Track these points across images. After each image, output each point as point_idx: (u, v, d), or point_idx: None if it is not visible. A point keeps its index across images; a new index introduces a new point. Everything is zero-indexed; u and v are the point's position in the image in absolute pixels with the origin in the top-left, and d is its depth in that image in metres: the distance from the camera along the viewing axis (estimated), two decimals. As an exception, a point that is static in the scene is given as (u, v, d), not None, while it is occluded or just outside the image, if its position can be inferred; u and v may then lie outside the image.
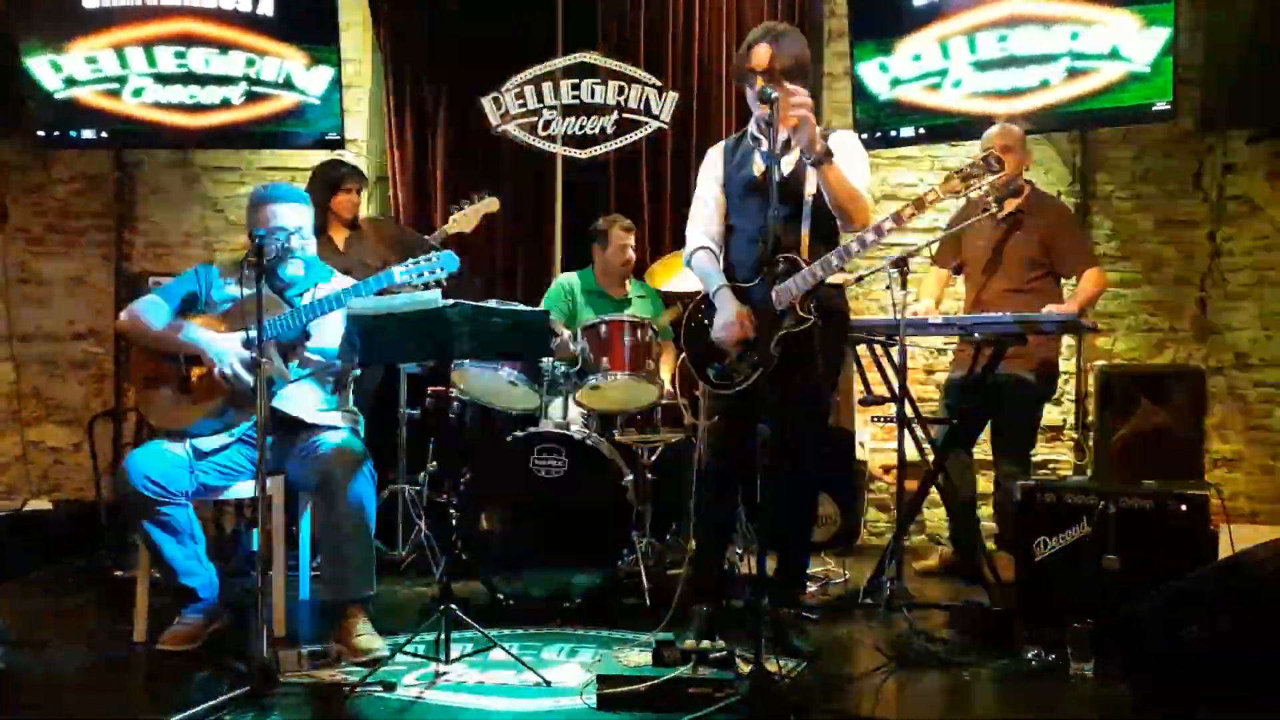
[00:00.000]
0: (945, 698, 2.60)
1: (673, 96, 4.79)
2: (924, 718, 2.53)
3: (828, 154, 2.69)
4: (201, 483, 2.89)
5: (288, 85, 4.61)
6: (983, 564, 3.38)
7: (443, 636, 2.66)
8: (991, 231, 3.79)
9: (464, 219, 3.92)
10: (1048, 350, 3.75)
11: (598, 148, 4.85)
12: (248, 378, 2.81)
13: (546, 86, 4.83)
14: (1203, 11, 4.40)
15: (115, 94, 4.61)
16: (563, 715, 2.40)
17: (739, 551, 3.62)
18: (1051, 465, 4.61)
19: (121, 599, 3.32)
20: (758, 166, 2.85)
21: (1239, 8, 4.27)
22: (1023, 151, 3.76)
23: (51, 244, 5.06)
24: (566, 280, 4.18)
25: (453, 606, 2.67)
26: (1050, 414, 4.04)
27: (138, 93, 4.61)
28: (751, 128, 2.94)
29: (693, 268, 2.99)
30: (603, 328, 3.50)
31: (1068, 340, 4.07)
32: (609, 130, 4.83)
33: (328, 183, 3.94)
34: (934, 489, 3.58)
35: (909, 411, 3.44)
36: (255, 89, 4.61)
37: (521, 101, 4.84)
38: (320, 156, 4.45)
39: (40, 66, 4.57)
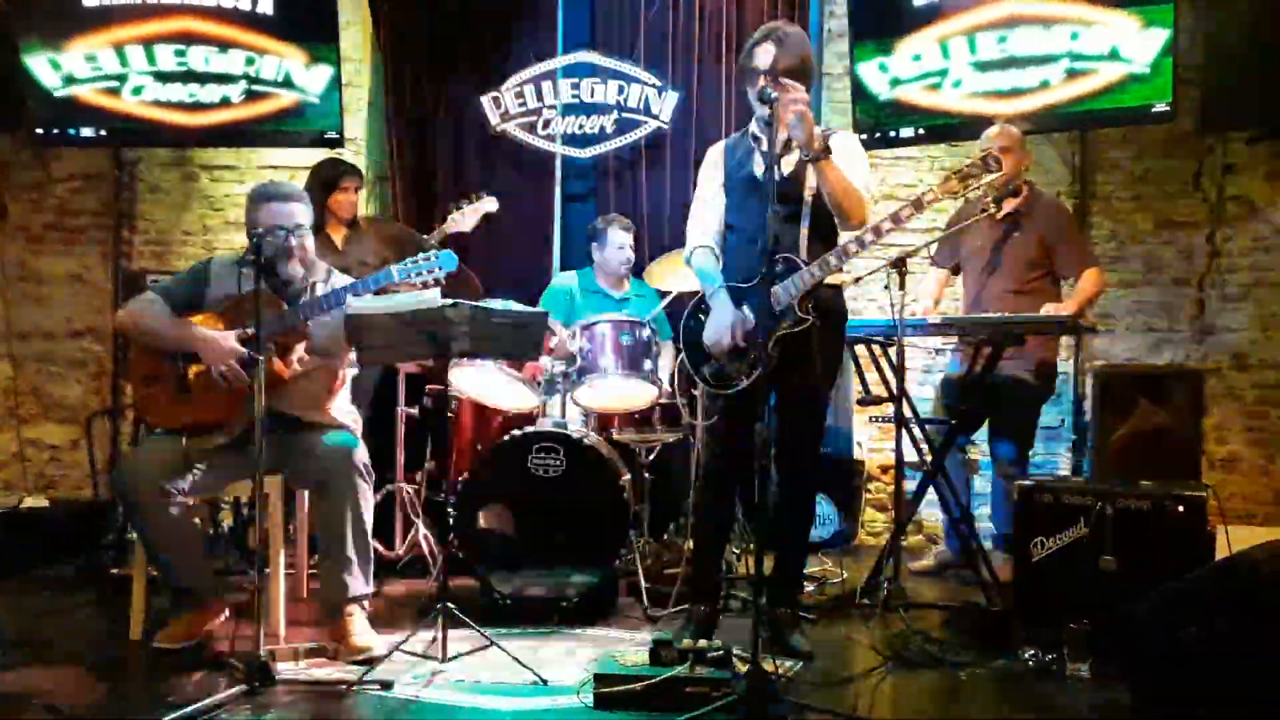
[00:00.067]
0: (942, 698, 2.60)
1: (672, 96, 4.79)
2: (921, 718, 2.53)
3: (826, 151, 2.69)
4: (199, 481, 2.89)
5: (287, 84, 4.61)
6: (980, 564, 3.38)
7: (440, 635, 2.66)
8: (990, 232, 3.79)
9: (462, 219, 3.92)
10: (1046, 351, 3.75)
11: (597, 147, 4.85)
12: (246, 376, 2.81)
13: (546, 86, 4.83)
14: (1202, 13, 4.40)
15: (115, 92, 4.61)
16: (560, 714, 2.40)
17: (736, 551, 3.62)
18: (1049, 466, 4.61)
19: (118, 597, 3.32)
20: (758, 166, 2.85)
21: (1238, 9, 4.27)
22: (1021, 152, 3.76)
23: (50, 242, 5.06)
24: (565, 279, 4.18)
25: (450, 605, 2.68)
26: (1048, 414, 4.04)
27: (137, 91, 4.61)
28: (753, 127, 2.94)
29: (692, 266, 2.99)
30: (601, 327, 3.50)
31: (1066, 340, 4.07)
32: (608, 130, 4.83)
33: (325, 181, 3.94)
34: (932, 489, 3.58)
35: (907, 412, 3.44)
36: (255, 87, 4.61)
37: (521, 101, 4.85)
38: (319, 155, 4.45)
39: (39, 65, 4.57)
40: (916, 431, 3.55)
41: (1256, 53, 4.21)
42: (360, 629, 2.79)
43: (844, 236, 2.86)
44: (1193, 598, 2.36)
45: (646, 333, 3.51)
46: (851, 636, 3.07)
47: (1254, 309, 4.52)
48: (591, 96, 4.81)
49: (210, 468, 2.90)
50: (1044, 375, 3.75)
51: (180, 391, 2.91)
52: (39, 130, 4.65)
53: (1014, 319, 3.32)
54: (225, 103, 4.62)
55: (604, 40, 4.92)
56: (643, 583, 3.38)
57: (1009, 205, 3.75)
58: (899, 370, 3.35)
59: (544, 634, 3.05)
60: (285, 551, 3.13)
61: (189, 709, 2.26)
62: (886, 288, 3.34)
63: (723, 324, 2.82)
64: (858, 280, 3.66)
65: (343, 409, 3.10)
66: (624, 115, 4.81)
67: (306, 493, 3.28)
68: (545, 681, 2.56)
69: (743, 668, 2.41)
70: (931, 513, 4.43)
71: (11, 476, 4.99)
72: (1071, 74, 4.21)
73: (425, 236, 3.83)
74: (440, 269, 2.92)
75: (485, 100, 4.84)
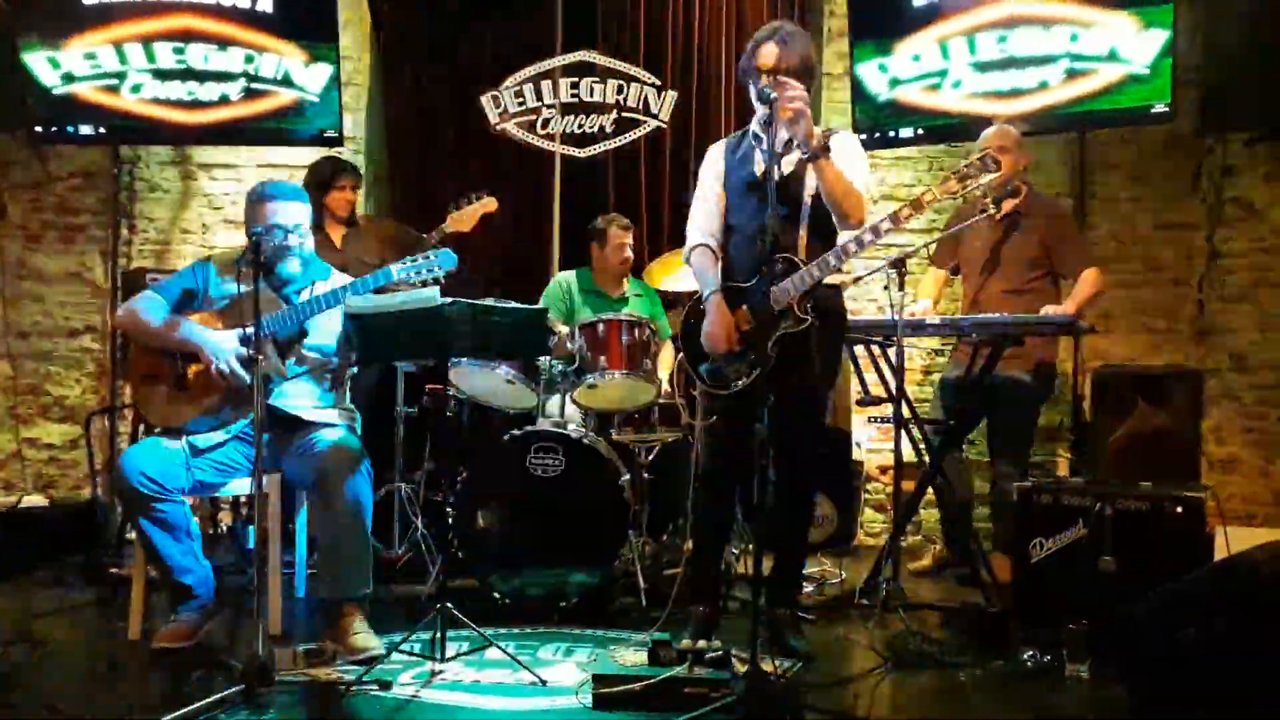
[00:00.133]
0: (940, 698, 2.60)
1: (672, 95, 4.79)
2: (919, 718, 2.53)
3: (824, 149, 2.69)
4: (198, 480, 2.89)
5: (286, 82, 4.61)
6: (979, 565, 3.38)
7: (439, 635, 2.66)
8: (989, 232, 3.79)
9: (461, 219, 3.92)
10: (1045, 351, 3.75)
11: (596, 146, 4.85)
12: (245, 375, 2.81)
13: (546, 85, 4.83)
14: (1202, 14, 4.40)
15: (114, 90, 4.60)
16: (558, 714, 2.40)
17: (735, 552, 3.62)
18: (1049, 466, 4.61)
19: (117, 597, 3.32)
20: (758, 165, 2.84)
21: (1238, 10, 4.27)
22: (1019, 152, 3.76)
23: (49, 240, 5.05)
24: (564, 279, 4.17)
25: (449, 605, 2.67)
26: (1047, 415, 4.04)
27: (136, 89, 4.61)
28: (753, 126, 2.94)
29: (690, 265, 2.99)
30: (600, 326, 3.50)
31: (1065, 341, 4.07)
32: (608, 129, 4.83)
33: (321, 180, 3.94)
34: (930, 489, 3.58)
35: (906, 412, 3.44)
36: (254, 85, 4.61)
37: (520, 100, 4.84)
38: (319, 154, 4.45)
39: (39, 62, 4.56)
40: (915, 432, 3.55)
41: (1256, 54, 4.22)
42: (359, 629, 2.79)
43: (843, 237, 2.86)
44: (1191, 599, 2.36)
45: (646, 332, 3.51)
46: (850, 637, 3.07)
47: (1253, 310, 4.52)
48: (591, 96, 4.81)
49: (210, 467, 2.90)
50: (1043, 376, 3.75)
51: (179, 390, 2.91)
52: (38, 128, 4.64)
53: (1013, 320, 3.32)
54: (224, 101, 4.62)
55: (603, 39, 4.92)
56: (641, 583, 3.38)
57: (1008, 206, 3.76)
58: (898, 371, 3.35)
59: (543, 634, 3.05)
60: (284, 551, 3.13)
61: (188, 709, 2.26)
62: (886, 288, 3.35)
63: (717, 330, 2.82)
64: (857, 280, 3.67)
65: (341, 408, 3.10)
66: (623, 114, 4.81)
67: (305, 492, 3.28)
68: (544, 682, 2.56)
69: (742, 668, 2.41)
70: (930, 513, 4.44)
71: (10, 476, 4.99)
72: (1071, 75, 4.21)
73: (424, 236, 3.83)
74: (440, 268, 2.92)
75: (485, 99, 4.84)
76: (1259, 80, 4.19)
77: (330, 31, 4.60)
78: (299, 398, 2.97)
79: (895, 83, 4.50)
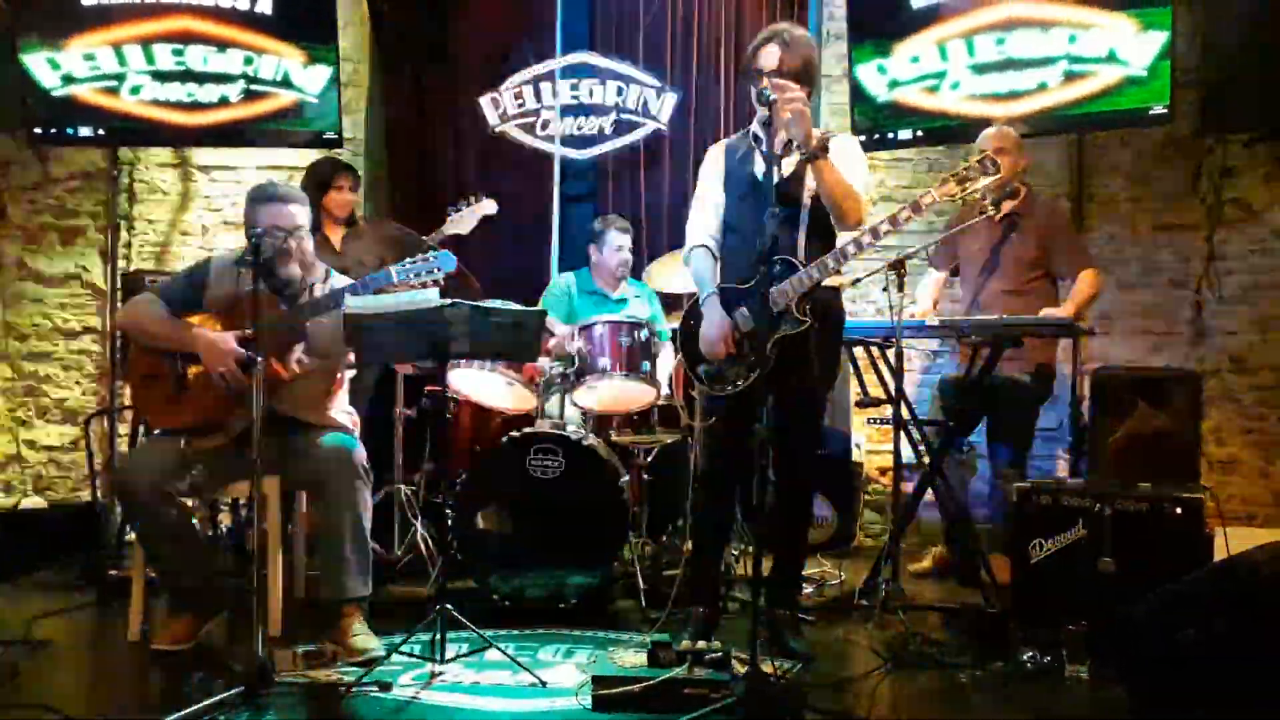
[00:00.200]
0: (940, 699, 2.60)
1: (671, 97, 4.79)
2: (919, 719, 2.53)
3: (823, 149, 2.69)
4: (198, 482, 2.88)
5: (285, 84, 4.61)
6: (979, 566, 3.38)
7: (439, 637, 2.66)
8: (988, 234, 3.79)
9: (461, 221, 3.92)
10: (1044, 352, 3.75)
11: (596, 148, 4.85)
12: (244, 377, 2.81)
13: (545, 87, 4.84)
14: (1200, 15, 4.41)
15: (113, 91, 4.60)
16: (558, 716, 2.40)
17: (735, 553, 3.62)
18: (1047, 468, 4.61)
19: (117, 598, 3.32)
20: (758, 167, 2.85)
21: (1236, 11, 4.28)
22: (1018, 153, 3.76)
23: (48, 242, 5.05)
24: (563, 280, 4.18)
25: (448, 607, 2.67)
26: (1046, 416, 4.04)
27: (135, 90, 4.61)
28: (753, 127, 2.94)
29: (689, 266, 2.99)
30: (600, 328, 3.50)
31: (1064, 342, 4.07)
32: (607, 131, 4.83)
33: (319, 180, 3.94)
34: (930, 490, 3.58)
35: (905, 414, 3.44)
36: (253, 87, 4.61)
37: (520, 101, 4.85)
38: (318, 155, 4.45)
39: (38, 64, 4.56)
40: (915, 433, 3.55)
41: (1254, 55, 4.22)
42: (359, 630, 2.79)
43: (842, 238, 2.86)
44: (1191, 599, 2.36)
45: (645, 334, 3.51)
46: (850, 638, 3.07)
47: (1252, 311, 4.52)
48: (590, 97, 4.81)
49: (209, 468, 2.90)
50: (1042, 377, 3.75)
51: (179, 392, 2.91)
52: (37, 130, 4.64)
53: (1012, 321, 3.32)
54: (223, 102, 4.62)
55: (603, 41, 4.93)
56: (641, 584, 3.38)
57: (1007, 207, 3.76)
58: (897, 372, 3.35)
59: (542, 636, 3.05)
60: (283, 553, 3.13)
61: (187, 710, 2.26)
62: (885, 289, 3.34)
63: (714, 333, 2.83)
64: (856, 282, 3.67)
65: (341, 410, 3.10)
66: (623, 116, 4.81)
67: (305, 494, 3.28)
68: (544, 683, 2.56)
69: (741, 669, 2.41)
70: (930, 514, 4.43)
71: (9, 478, 4.98)
72: (1069, 76, 4.21)
73: (424, 237, 3.83)
74: (439, 269, 2.92)
75: (484, 101, 4.84)
76: (1258, 81, 4.19)
77: (329, 33, 4.60)
78: (298, 400, 2.97)
79: (894, 84, 4.50)
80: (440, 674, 2.63)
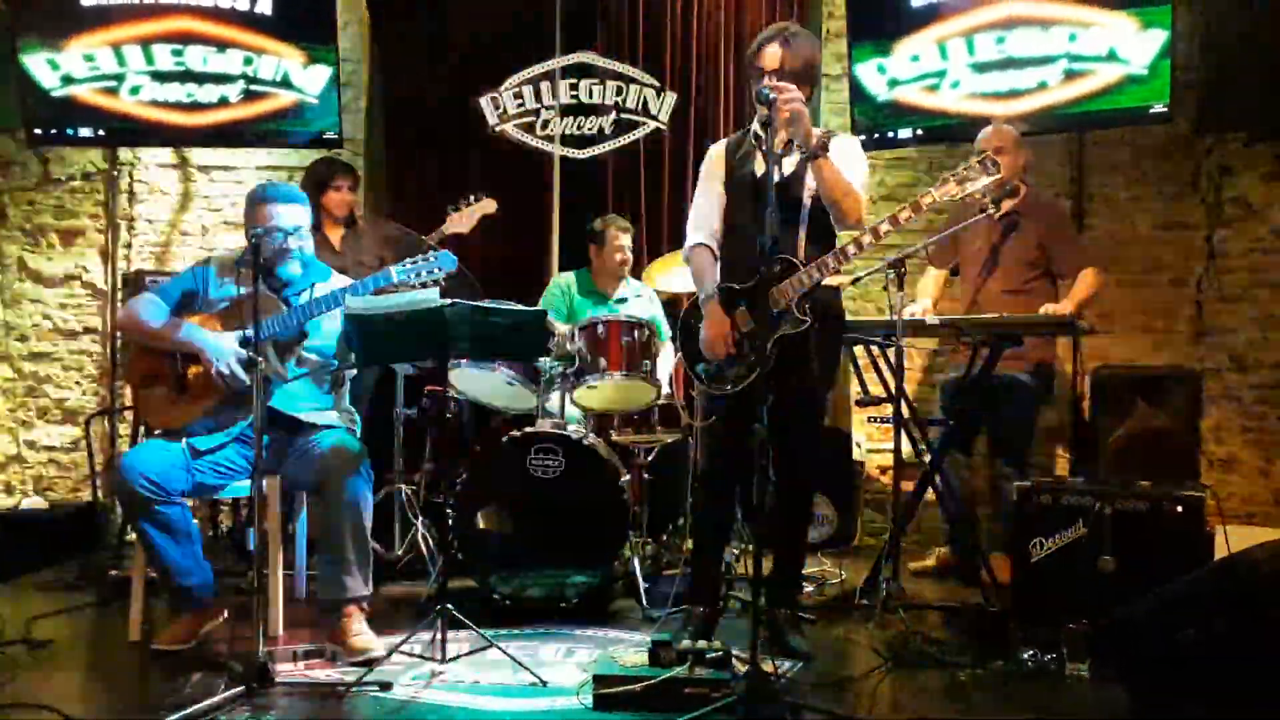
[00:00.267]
0: (941, 698, 2.60)
1: (671, 97, 4.79)
2: (919, 718, 2.53)
3: (823, 148, 2.70)
4: (198, 482, 2.89)
5: (285, 84, 4.61)
6: (979, 565, 3.38)
7: (439, 636, 2.66)
8: (988, 232, 3.79)
9: (460, 220, 3.92)
10: (1044, 351, 3.76)
11: (595, 148, 4.85)
12: (244, 377, 2.81)
13: (545, 86, 4.83)
14: (1200, 14, 4.41)
15: (112, 92, 4.60)
16: (559, 715, 2.40)
17: (735, 552, 3.62)
18: (1048, 466, 4.61)
19: (117, 599, 3.32)
20: (759, 166, 2.85)
21: (1237, 11, 4.28)
22: (1017, 151, 3.76)
23: (48, 242, 5.05)
24: (563, 280, 4.18)
25: (449, 606, 2.67)
26: (1047, 415, 4.04)
27: (135, 91, 4.61)
28: (754, 127, 2.94)
29: (688, 265, 2.99)
30: (599, 327, 3.50)
31: (1064, 341, 4.07)
32: (607, 130, 4.83)
33: (318, 180, 3.94)
34: (930, 489, 3.58)
35: (905, 412, 3.44)
36: (253, 87, 4.61)
37: (520, 101, 4.84)
38: (318, 155, 4.45)
39: (37, 64, 4.56)
40: (915, 432, 3.55)
41: (1254, 54, 4.22)
42: (359, 630, 2.79)
43: (842, 238, 2.86)
44: (1191, 599, 2.36)
45: (645, 333, 3.51)
46: (850, 637, 3.07)
47: (1252, 310, 4.51)
48: (590, 97, 4.81)
49: (209, 469, 2.90)
50: (1042, 376, 3.76)
51: (179, 392, 2.91)
52: (37, 130, 4.64)
53: (1012, 319, 3.32)
54: (223, 103, 4.62)
55: (603, 41, 4.92)
56: (641, 583, 3.38)
57: (1007, 205, 3.76)
58: (898, 371, 3.35)
59: (543, 635, 3.05)
60: (284, 552, 3.13)
61: (188, 711, 2.26)
62: (885, 288, 3.34)
63: (714, 333, 2.83)
64: (856, 281, 3.66)
65: (341, 410, 3.10)
66: (622, 116, 4.81)
67: (305, 494, 3.28)
68: (544, 682, 2.56)
69: (742, 668, 2.41)
70: (930, 513, 4.44)
71: (10, 478, 4.98)
72: (1069, 75, 4.21)
73: (424, 237, 3.83)
74: (439, 269, 2.92)
75: (484, 100, 4.84)
76: (1258, 80, 4.19)
77: (329, 33, 4.60)
78: (299, 400, 2.97)
79: (894, 83, 4.50)
80: (441, 673, 2.63)
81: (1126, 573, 2.79)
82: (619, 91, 4.80)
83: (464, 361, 3.35)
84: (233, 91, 4.61)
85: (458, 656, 2.73)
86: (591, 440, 3.39)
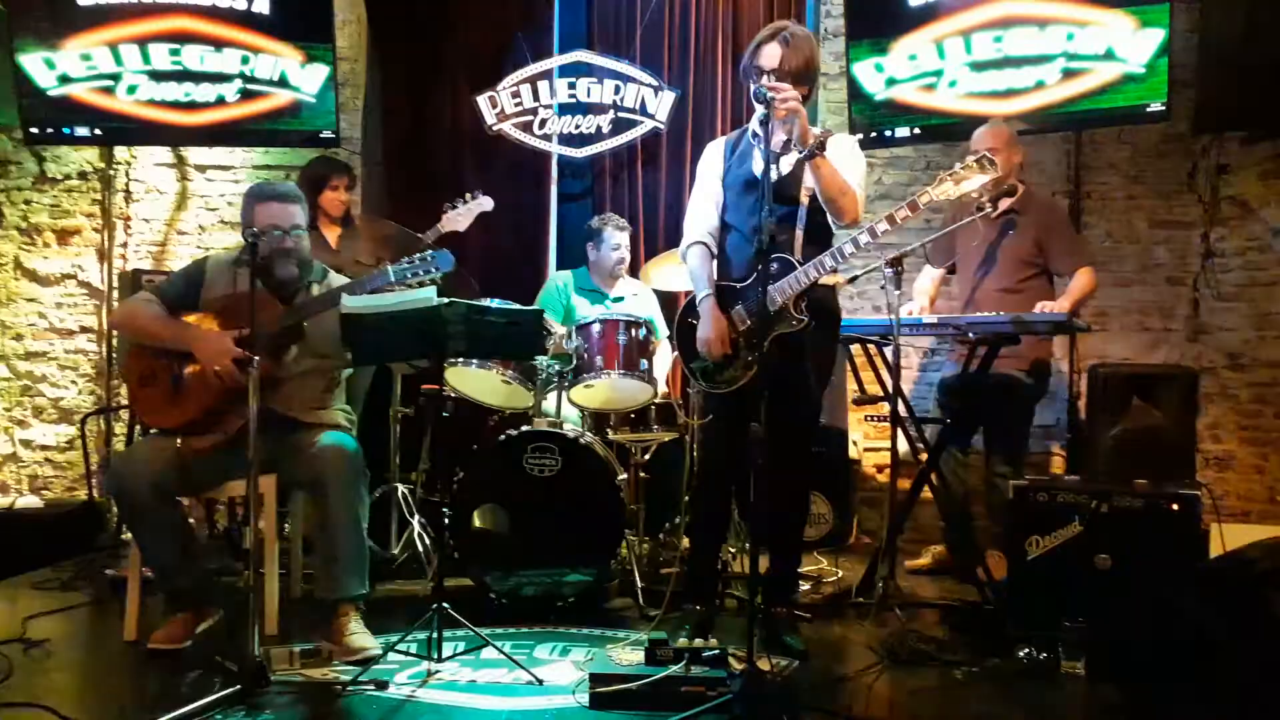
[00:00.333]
0: (937, 696, 2.60)
1: (669, 96, 4.79)
2: (916, 716, 2.53)
3: (820, 147, 2.70)
4: (194, 481, 2.88)
5: (282, 83, 4.60)
6: (975, 563, 3.38)
7: (435, 635, 2.66)
8: (985, 231, 3.79)
9: (458, 218, 3.92)
10: (1041, 350, 3.76)
11: (593, 147, 4.85)
12: (240, 376, 2.80)
13: (542, 85, 4.83)
14: (1198, 13, 4.41)
15: (109, 91, 4.60)
16: (555, 714, 2.40)
17: (732, 550, 3.62)
18: (1044, 464, 4.62)
19: (113, 598, 3.32)
20: (757, 165, 2.85)
21: (1234, 10, 4.28)
22: (1013, 150, 3.76)
23: (44, 241, 5.05)
24: (560, 279, 4.17)
25: (445, 605, 2.67)
26: (1043, 413, 4.05)
27: (132, 90, 4.61)
28: (752, 125, 2.94)
29: (686, 263, 2.99)
30: (597, 326, 3.50)
31: (1061, 339, 4.08)
32: (604, 129, 4.83)
33: (314, 179, 3.94)
34: (927, 488, 3.59)
35: (902, 411, 3.44)
36: (250, 86, 4.61)
37: (517, 100, 4.85)
38: (315, 154, 4.44)
39: (34, 63, 4.56)
40: (912, 430, 3.55)
41: (1251, 54, 4.22)
42: (355, 629, 2.79)
43: (840, 238, 2.86)
44: (1186, 596, 2.36)
45: (642, 332, 3.51)
46: (847, 635, 3.07)
47: (1248, 308, 4.52)
48: (588, 96, 4.81)
49: (205, 467, 2.89)
50: (1038, 374, 3.76)
51: (175, 391, 2.91)
52: (33, 129, 4.64)
53: (1008, 318, 3.32)
54: (220, 102, 4.62)
55: (600, 40, 4.93)
56: (638, 582, 3.38)
57: (1004, 204, 3.76)
58: (894, 369, 3.35)
59: (539, 634, 3.05)
60: (280, 551, 3.12)
61: (184, 710, 2.26)
62: (882, 287, 3.34)
63: (711, 331, 2.83)
64: (853, 280, 3.67)
65: (338, 409, 3.10)
66: (620, 115, 4.81)
67: (301, 493, 3.27)
68: (541, 681, 2.56)
69: (738, 667, 2.41)
70: (926, 511, 4.44)
71: (5, 477, 4.98)
72: (1067, 74, 4.22)
73: (421, 236, 3.83)
74: (437, 269, 2.92)
75: (481, 99, 4.84)
76: (1255, 80, 4.19)
77: (326, 32, 4.60)
78: (295, 399, 2.97)
79: (891, 82, 4.51)
80: (437, 672, 2.63)
81: (1122, 571, 2.79)
82: (616, 90, 4.80)
83: (461, 360, 3.34)
84: (230, 91, 4.61)
85: (454, 655, 2.73)
86: (588, 439, 3.39)
